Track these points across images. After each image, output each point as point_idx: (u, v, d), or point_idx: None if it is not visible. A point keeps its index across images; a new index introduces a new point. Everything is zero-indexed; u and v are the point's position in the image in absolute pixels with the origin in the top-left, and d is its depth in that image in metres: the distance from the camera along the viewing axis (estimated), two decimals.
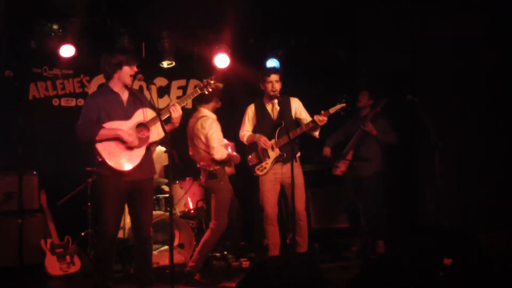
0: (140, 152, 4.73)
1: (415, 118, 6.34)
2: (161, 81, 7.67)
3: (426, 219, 6.66)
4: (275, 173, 5.79)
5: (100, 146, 4.61)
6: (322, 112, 5.54)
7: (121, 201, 4.75)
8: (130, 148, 4.67)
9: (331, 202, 7.32)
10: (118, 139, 4.63)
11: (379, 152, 6.51)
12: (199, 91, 5.01)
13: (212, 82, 5.02)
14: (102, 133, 4.60)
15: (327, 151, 6.75)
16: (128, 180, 4.69)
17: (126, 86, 4.79)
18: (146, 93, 7.22)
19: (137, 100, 4.83)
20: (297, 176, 5.60)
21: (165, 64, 7.33)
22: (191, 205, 6.34)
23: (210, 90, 5.06)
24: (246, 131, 5.95)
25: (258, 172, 5.82)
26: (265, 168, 5.78)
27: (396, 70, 7.03)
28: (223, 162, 5.63)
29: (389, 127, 6.51)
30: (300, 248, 5.72)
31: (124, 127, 4.67)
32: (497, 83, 6.11)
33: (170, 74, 7.67)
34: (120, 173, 4.64)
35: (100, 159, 4.62)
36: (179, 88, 7.73)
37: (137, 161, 4.70)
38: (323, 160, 6.92)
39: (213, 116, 5.68)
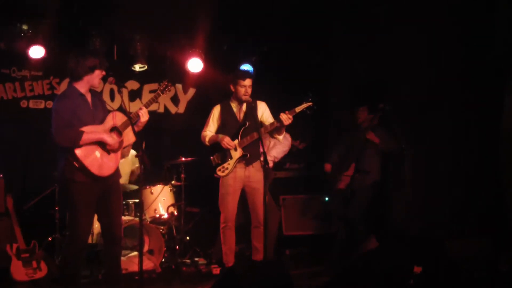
0: (117, 156, 4.70)
1: (386, 126, 6.40)
2: (132, 85, 7.59)
3: (395, 226, 6.69)
4: (236, 176, 5.69)
5: (79, 152, 4.50)
6: (287, 112, 5.49)
7: (94, 206, 4.67)
8: (108, 152, 4.61)
9: (302, 209, 7.32)
10: (97, 143, 4.56)
11: (377, 163, 6.46)
12: (160, 93, 4.99)
13: (170, 84, 5.04)
14: (85, 137, 4.49)
15: (328, 167, 6.71)
16: (102, 185, 4.64)
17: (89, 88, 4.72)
18: (117, 96, 7.29)
19: (99, 102, 4.79)
20: (261, 182, 5.57)
21: (137, 67, 7.27)
22: (161, 211, 6.27)
23: (168, 91, 5.10)
24: (209, 131, 5.84)
25: (220, 173, 5.70)
26: (227, 169, 5.68)
27: (369, 79, 7.07)
28: None
29: (388, 135, 6.47)
30: (260, 255, 5.65)
31: (101, 131, 4.62)
32: (468, 92, 6.20)
33: (142, 78, 7.60)
34: (99, 179, 4.57)
35: (77, 165, 4.49)
36: (151, 92, 7.62)
37: (115, 165, 4.68)
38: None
39: None
